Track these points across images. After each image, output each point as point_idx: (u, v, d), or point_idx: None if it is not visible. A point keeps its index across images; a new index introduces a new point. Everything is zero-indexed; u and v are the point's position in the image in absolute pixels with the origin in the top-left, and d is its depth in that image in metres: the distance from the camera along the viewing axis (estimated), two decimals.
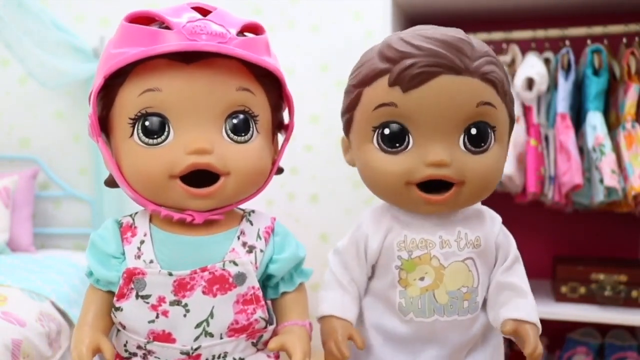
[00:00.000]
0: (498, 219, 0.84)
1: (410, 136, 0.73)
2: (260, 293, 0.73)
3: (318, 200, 2.00)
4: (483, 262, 0.80)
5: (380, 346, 0.82)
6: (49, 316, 1.41)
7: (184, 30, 0.64)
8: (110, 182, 0.78)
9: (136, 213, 0.76)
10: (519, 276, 0.81)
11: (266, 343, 0.75)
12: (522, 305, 0.77)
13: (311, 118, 1.96)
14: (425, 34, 0.71)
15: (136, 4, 2.01)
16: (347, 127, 0.81)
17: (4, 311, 1.30)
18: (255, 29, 0.72)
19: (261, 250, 0.75)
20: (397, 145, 0.74)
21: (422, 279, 0.78)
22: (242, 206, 0.78)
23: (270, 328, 0.76)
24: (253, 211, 0.79)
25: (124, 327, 0.73)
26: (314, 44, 1.96)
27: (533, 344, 0.72)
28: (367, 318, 0.84)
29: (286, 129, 0.78)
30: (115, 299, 0.72)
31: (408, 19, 1.71)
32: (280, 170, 0.81)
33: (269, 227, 0.78)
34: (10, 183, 1.92)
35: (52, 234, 2.13)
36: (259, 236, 0.76)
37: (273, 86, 0.73)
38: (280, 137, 0.81)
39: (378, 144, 0.75)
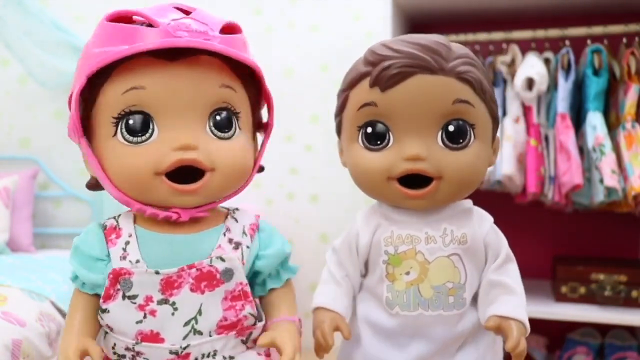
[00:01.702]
0: (489, 218, 0.85)
1: (390, 134, 0.78)
2: (248, 289, 0.74)
3: (318, 200, 2.00)
4: (470, 260, 0.82)
5: (369, 339, 0.85)
6: (49, 316, 1.41)
7: (168, 28, 0.65)
8: (93, 185, 0.78)
9: (119, 215, 0.76)
10: (510, 275, 0.82)
11: (255, 340, 0.76)
12: (509, 302, 0.78)
13: (311, 118, 1.96)
14: (405, 39, 0.76)
15: (136, 4, 2.01)
16: (339, 129, 0.86)
17: (4, 311, 1.30)
18: (233, 28, 0.72)
19: (247, 247, 0.75)
20: (379, 142, 0.78)
21: (407, 273, 0.81)
22: (226, 204, 0.79)
23: (260, 325, 0.76)
24: (237, 209, 0.80)
25: (111, 329, 0.72)
26: (314, 44, 1.96)
27: (515, 340, 0.73)
28: (359, 312, 0.87)
29: (265, 127, 0.79)
30: (101, 300, 0.71)
31: (408, 19, 1.71)
32: (261, 169, 0.81)
33: (254, 224, 0.78)
34: (10, 183, 1.92)
35: (52, 234, 2.14)
36: (244, 233, 0.76)
37: (252, 84, 0.75)
38: (260, 137, 0.81)
39: (362, 142, 0.80)
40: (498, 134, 1.51)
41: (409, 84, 0.74)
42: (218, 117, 0.70)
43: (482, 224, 0.84)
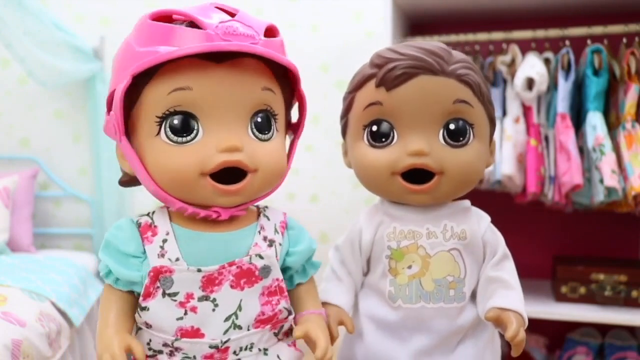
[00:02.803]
0: (486, 217, 0.89)
1: (395, 131, 0.82)
2: (284, 284, 0.77)
3: (318, 200, 2.00)
4: (470, 255, 0.86)
5: (371, 333, 0.88)
6: (49, 316, 1.41)
7: (217, 30, 0.65)
8: (125, 182, 0.78)
9: (153, 212, 0.76)
10: (507, 272, 0.85)
11: (286, 333, 0.79)
12: (507, 295, 0.81)
13: (311, 118, 1.96)
14: (410, 44, 0.81)
15: (136, 4, 2.01)
16: (344, 130, 0.90)
17: (4, 311, 1.30)
18: (272, 31, 0.73)
19: (280, 244, 0.78)
20: (384, 140, 0.83)
21: (409, 267, 0.85)
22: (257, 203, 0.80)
23: (290, 318, 0.79)
24: (267, 207, 0.82)
25: (149, 326, 0.73)
26: (314, 44, 1.96)
27: (515, 330, 0.75)
28: (361, 308, 0.91)
29: (295, 127, 0.81)
30: (141, 298, 0.72)
31: (408, 19, 1.71)
32: None
33: (283, 222, 0.81)
34: (10, 183, 1.92)
35: (52, 234, 2.14)
36: (276, 230, 0.79)
37: (287, 86, 0.76)
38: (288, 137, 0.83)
39: (367, 140, 0.84)
40: (498, 134, 1.53)
41: (413, 84, 0.79)
42: (259, 119, 0.72)
43: (480, 222, 0.88)
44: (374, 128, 0.83)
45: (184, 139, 0.68)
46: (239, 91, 0.69)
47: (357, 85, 0.84)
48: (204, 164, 0.68)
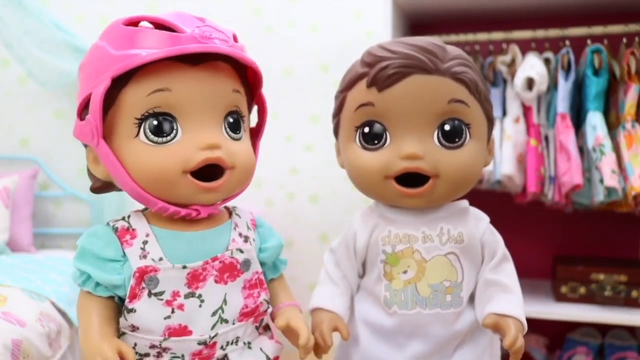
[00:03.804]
0: (485, 218, 0.87)
1: (387, 133, 0.80)
2: (262, 277, 0.79)
3: (318, 200, 2.00)
4: (467, 259, 0.83)
5: (367, 339, 0.86)
6: (49, 316, 1.41)
7: (194, 34, 0.68)
8: (97, 188, 0.80)
9: (129, 216, 0.77)
10: (506, 274, 0.83)
11: (264, 327, 0.81)
12: (506, 300, 0.79)
13: (311, 118, 1.96)
14: (402, 41, 0.78)
15: (136, 4, 2.01)
16: (336, 130, 0.87)
17: (4, 311, 1.30)
18: (235, 37, 0.76)
19: (254, 239, 0.80)
20: (376, 142, 0.80)
21: (405, 272, 0.82)
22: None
23: (269, 311, 0.81)
24: (235, 207, 0.84)
25: (136, 329, 0.72)
26: (314, 44, 1.96)
27: (513, 337, 0.73)
28: (357, 312, 0.88)
29: (257, 131, 0.83)
30: (127, 300, 0.72)
31: (408, 19, 1.71)
32: None
33: (253, 220, 0.83)
34: (10, 183, 1.92)
35: (52, 234, 2.13)
36: (248, 227, 0.81)
37: (249, 89, 0.79)
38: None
39: (359, 142, 0.81)
40: (498, 134, 1.53)
41: (406, 84, 0.76)
42: (231, 119, 0.74)
43: (478, 224, 0.85)
44: (366, 130, 0.80)
45: (164, 139, 0.70)
46: (214, 92, 0.72)
47: (349, 84, 0.82)
48: (186, 161, 0.69)
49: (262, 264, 0.81)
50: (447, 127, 0.78)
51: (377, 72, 0.76)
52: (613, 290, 1.51)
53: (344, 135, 0.84)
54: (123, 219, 0.76)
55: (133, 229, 0.74)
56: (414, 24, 1.77)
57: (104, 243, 0.73)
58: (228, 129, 0.74)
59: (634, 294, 1.50)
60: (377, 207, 0.87)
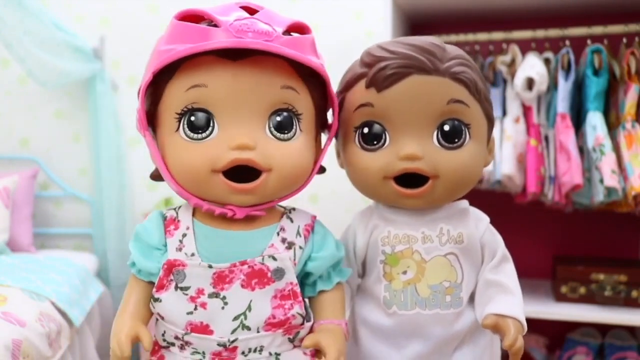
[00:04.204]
0: (485, 218, 0.86)
1: (387, 134, 0.79)
2: (298, 289, 0.75)
3: (318, 200, 2.00)
4: (467, 259, 0.83)
5: (367, 339, 0.86)
6: (49, 316, 1.41)
7: (231, 28, 0.66)
8: (156, 176, 0.79)
9: (180, 207, 0.78)
10: (506, 275, 0.83)
11: (302, 340, 0.77)
12: (506, 301, 0.79)
13: None
14: (401, 41, 0.77)
15: (136, 4, 2.01)
16: (336, 131, 0.85)
17: (4, 311, 1.30)
18: (301, 28, 0.73)
19: (300, 247, 0.76)
20: (375, 142, 0.79)
21: (404, 272, 0.82)
22: (284, 203, 0.80)
23: (307, 325, 0.77)
24: (294, 209, 0.81)
25: (162, 318, 0.74)
26: None
27: (512, 338, 0.73)
28: (357, 313, 0.88)
29: (329, 128, 0.80)
30: (154, 289, 0.73)
31: (408, 19, 1.71)
32: (322, 170, 0.83)
33: (309, 225, 0.79)
34: (10, 183, 1.92)
35: (52, 234, 2.13)
36: (298, 233, 0.77)
37: (318, 86, 0.75)
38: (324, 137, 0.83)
39: (359, 142, 0.81)
40: (498, 134, 1.53)
41: (405, 84, 0.75)
42: (278, 118, 0.71)
43: (478, 224, 0.85)
44: (365, 130, 0.80)
45: (200, 136, 0.69)
46: (255, 89, 0.69)
47: (348, 84, 0.82)
48: (215, 161, 0.68)
49: (310, 273, 0.78)
50: (446, 128, 0.78)
51: (376, 73, 0.76)
52: (613, 290, 1.51)
53: (343, 136, 0.84)
54: (175, 208, 0.77)
55: (178, 220, 0.75)
56: (414, 24, 1.77)
57: (151, 229, 0.75)
58: (273, 128, 0.71)
59: (634, 294, 1.50)
60: (377, 207, 0.87)
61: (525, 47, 1.56)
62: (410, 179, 0.78)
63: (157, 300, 0.73)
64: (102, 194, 2.02)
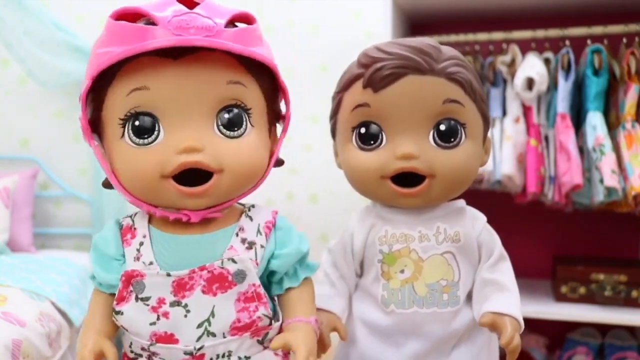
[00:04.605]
0: (482, 217, 0.87)
1: (383, 134, 0.80)
2: (261, 290, 0.72)
3: (317, 200, 2.00)
4: (464, 258, 0.84)
5: (365, 338, 0.86)
6: (49, 316, 1.41)
7: (169, 25, 0.62)
8: (107, 184, 0.76)
9: (136, 214, 0.75)
10: (503, 273, 0.83)
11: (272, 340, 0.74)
12: (503, 299, 0.79)
13: (311, 118, 1.96)
14: (397, 42, 0.78)
15: (137, 4, 2.01)
16: (333, 131, 0.88)
17: (4, 311, 1.30)
18: (246, 18, 0.69)
19: (262, 246, 0.73)
20: (372, 142, 0.80)
21: (402, 271, 0.83)
22: (243, 201, 0.77)
23: (276, 325, 0.75)
24: (253, 206, 0.78)
25: (126, 330, 0.72)
26: (314, 44, 1.96)
27: (509, 336, 0.74)
28: (355, 311, 0.88)
29: (283, 119, 0.77)
30: (115, 302, 0.71)
31: (408, 19, 1.71)
32: (280, 162, 0.79)
33: (270, 222, 0.76)
34: (10, 183, 1.92)
35: (52, 234, 2.13)
36: (259, 231, 0.74)
37: (267, 77, 0.72)
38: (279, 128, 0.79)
39: (356, 142, 0.82)
40: (498, 134, 1.53)
41: (401, 84, 0.76)
42: (227, 115, 0.68)
43: (475, 223, 0.85)
44: (362, 130, 0.80)
45: (146, 141, 0.66)
46: (200, 87, 0.65)
47: (345, 85, 0.82)
48: (164, 166, 0.65)
49: (274, 272, 0.75)
50: (442, 127, 0.78)
51: (372, 73, 0.77)
52: (613, 290, 1.51)
53: (340, 136, 0.85)
54: (131, 216, 0.75)
55: (135, 228, 0.73)
56: (414, 24, 1.77)
57: (108, 240, 0.73)
58: (222, 127, 0.68)
59: (634, 294, 1.50)
60: (374, 207, 0.88)
61: (525, 47, 1.56)
62: (407, 179, 0.79)
63: (118, 313, 0.71)
64: (102, 194, 2.02)
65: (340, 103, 0.84)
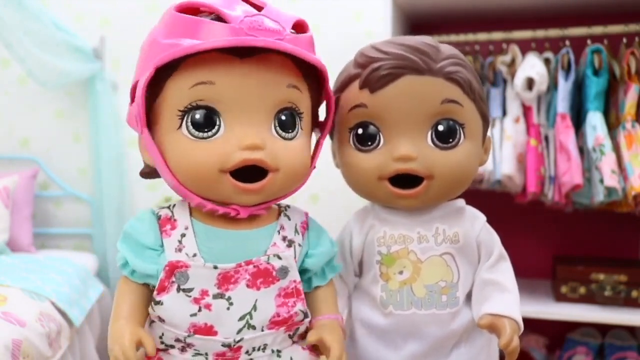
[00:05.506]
0: (481, 217, 0.86)
1: (381, 134, 0.79)
2: (301, 287, 0.75)
3: (318, 201, 2.00)
4: (463, 259, 0.83)
5: (363, 339, 0.86)
6: (49, 316, 1.41)
7: (241, 25, 0.64)
8: (146, 174, 0.78)
9: (173, 205, 0.76)
10: (503, 273, 0.83)
11: (301, 336, 0.78)
12: (502, 300, 0.79)
13: None
14: (394, 41, 0.77)
15: (136, 4, 2.01)
16: (331, 132, 0.86)
17: (4, 311, 1.30)
18: (301, 26, 0.72)
19: (299, 245, 0.76)
20: (370, 143, 0.79)
21: (400, 272, 0.82)
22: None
23: (306, 321, 0.77)
24: (288, 206, 0.80)
25: (162, 321, 0.72)
26: None
27: (508, 337, 0.73)
28: (354, 312, 0.88)
29: (323, 127, 0.79)
30: (155, 292, 0.71)
31: (408, 19, 1.71)
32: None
33: (304, 222, 0.79)
34: (10, 183, 1.92)
35: (52, 234, 2.13)
36: (296, 231, 0.77)
37: (315, 84, 0.74)
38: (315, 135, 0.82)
39: (353, 143, 0.80)
40: (498, 134, 1.53)
41: (398, 84, 0.75)
42: (283, 117, 0.70)
43: (474, 223, 0.85)
44: (360, 131, 0.80)
45: (205, 134, 0.67)
46: (263, 88, 0.68)
47: (342, 85, 0.81)
48: (224, 161, 0.67)
49: (307, 270, 0.78)
50: (440, 128, 0.77)
51: (369, 74, 0.76)
52: (613, 290, 1.51)
53: (338, 137, 0.84)
54: (168, 207, 0.75)
55: (175, 219, 0.73)
56: (414, 24, 1.77)
57: (145, 230, 0.73)
58: (278, 128, 0.70)
59: (634, 294, 1.50)
60: (373, 208, 0.87)
61: (525, 47, 1.56)
62: (405, 180, 0.78)
63: (158, 303, 0.71)
64: (102, 194, 2.02)
65: (337, 103, 0.82)
